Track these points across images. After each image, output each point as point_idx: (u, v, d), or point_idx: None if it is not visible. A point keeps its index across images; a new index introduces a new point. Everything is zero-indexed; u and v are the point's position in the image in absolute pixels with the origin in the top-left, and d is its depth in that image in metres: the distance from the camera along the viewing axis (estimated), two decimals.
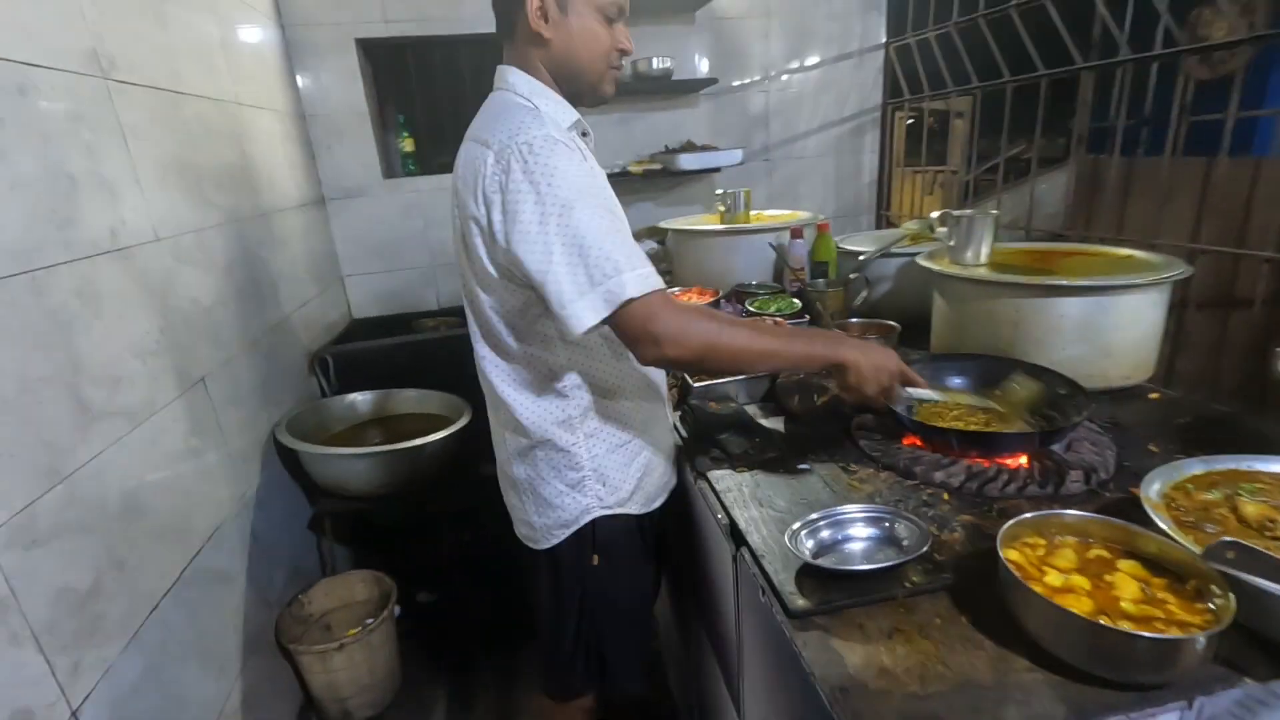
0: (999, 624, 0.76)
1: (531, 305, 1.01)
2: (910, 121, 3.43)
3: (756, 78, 3.05)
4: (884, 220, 3.43)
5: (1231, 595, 0.64)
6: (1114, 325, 1.29)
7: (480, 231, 0.97)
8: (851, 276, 1.81)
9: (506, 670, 2.09)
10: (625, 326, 0.92)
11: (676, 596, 1.62)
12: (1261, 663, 0.67)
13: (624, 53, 1.08)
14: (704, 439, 1.24)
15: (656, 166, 2.82)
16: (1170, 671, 0.64)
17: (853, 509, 0.92)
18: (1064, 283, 1.27)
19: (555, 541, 1.14)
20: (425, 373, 2.28)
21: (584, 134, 1.11)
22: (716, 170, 2.89)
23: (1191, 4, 2.90)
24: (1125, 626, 0.67)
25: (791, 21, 3.02)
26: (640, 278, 0.90)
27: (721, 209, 2.11)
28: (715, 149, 2.82)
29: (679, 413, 1.40)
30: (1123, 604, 0.70)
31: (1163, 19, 1.77)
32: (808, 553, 0.86)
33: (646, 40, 2.77)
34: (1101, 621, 0.67)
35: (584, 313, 0.90)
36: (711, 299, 1.83)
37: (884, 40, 3.14)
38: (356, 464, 1.81)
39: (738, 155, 2.78)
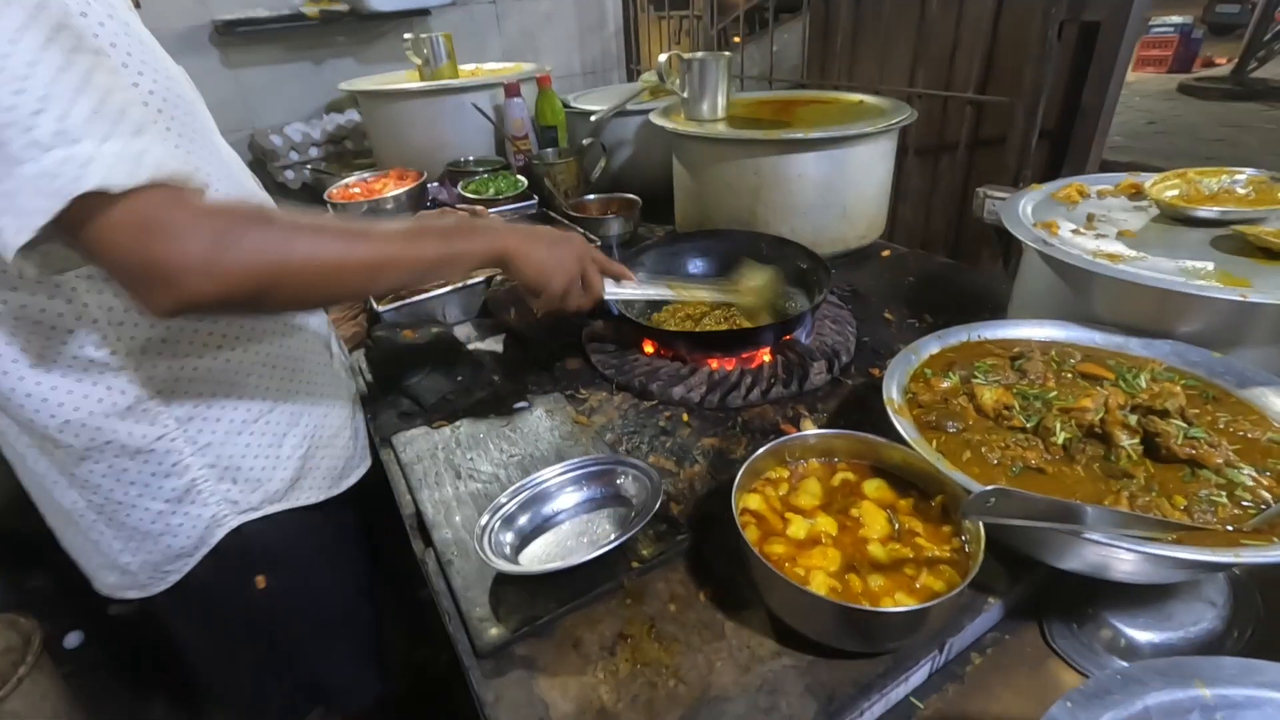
0: (741, 591, 0.60)
1: None
2: None
3: None
4: (635, 75, 3.13)
5: (981, 524, 0.52)
6: (850, 182, 1.19)
7: None
8: (585, 143, 1.51)
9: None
10: (103, 249, 0.50)
11: None
12: (1004, 576, 0.60)
13: None
14: (392, 385, 0.92)
15: (341, 8, 2.13)
16: (924, 630, 0.53)
17: (555, 472, 0.69)
18: (801, 136, 1.11)
19: (174, 580, 0.77)
20: None
21: None
22: (426, 13, 2.29)
23: None
24: (874, 582, 0.54)
25: None
26: (124, 156, 0.48)
27: (417, 62, 1.62)
28: None
29: (362, 349, 1.04)
30: (870, 548, 0.57)
31: None
32: (506, 550, 0.62)
33: None
34: (847, 584, 0.53)
35: (4, 220, 0.47)
36: (414, 183, 1.41)
37: None
38: None
39: None
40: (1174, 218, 0.84)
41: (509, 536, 0.64)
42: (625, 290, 0.85)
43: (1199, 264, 0.73)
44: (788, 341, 0.93)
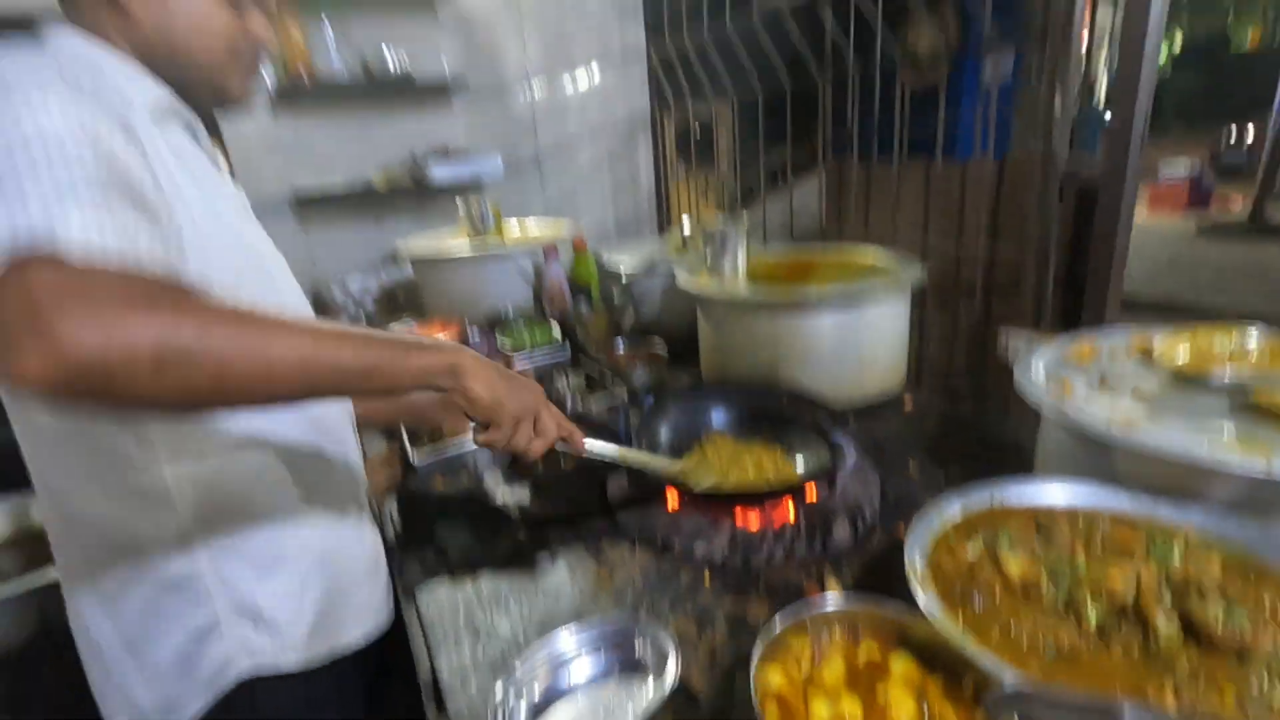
0: None
1: None
2: (679, 131, 3.44)
3: (516, 81, 2.81)
4: (665, 227, 3.40)
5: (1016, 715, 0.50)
6: (865, 337, 1.24)
7: None
8: (616, 297, 1.63)
9: None
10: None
11: None
12: None
13: (260, 46, 0.78)
14: (420, 537, 0.94)
15: (405, 178, 2.43)
16: None
17: (572, 637, 0.68)
18: (814, 297, 1.18)
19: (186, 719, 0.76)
20: None
21: (190, 132, 0.75)
22: (478, 182, 2.59)
23: (902, 22, 3.23)
24: None
25: (546, 25, 2.82)
26: (68, 217, 0.48)
27: (467, 224, 1.81)
28: (469, 155, 2.51)
29: (394, 496, 1.08)
30: None
31: (878, 35, 1.84)
32: None
33: (379, 34, 2.38)
34: None
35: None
36: (455, 334, 1.52)
37: (645, 48, 3.08)
38: None
39: (497, 162, 2.50)
40: (1188, 380, 0.85)
41: (523, 709, 0.62)
42: (572, 449, 0.83)
43: (1218, 429, 0.73)
44: (810, 502, 0.93)
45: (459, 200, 1.82)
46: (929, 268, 1.37)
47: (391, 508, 1.06)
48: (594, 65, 3.00)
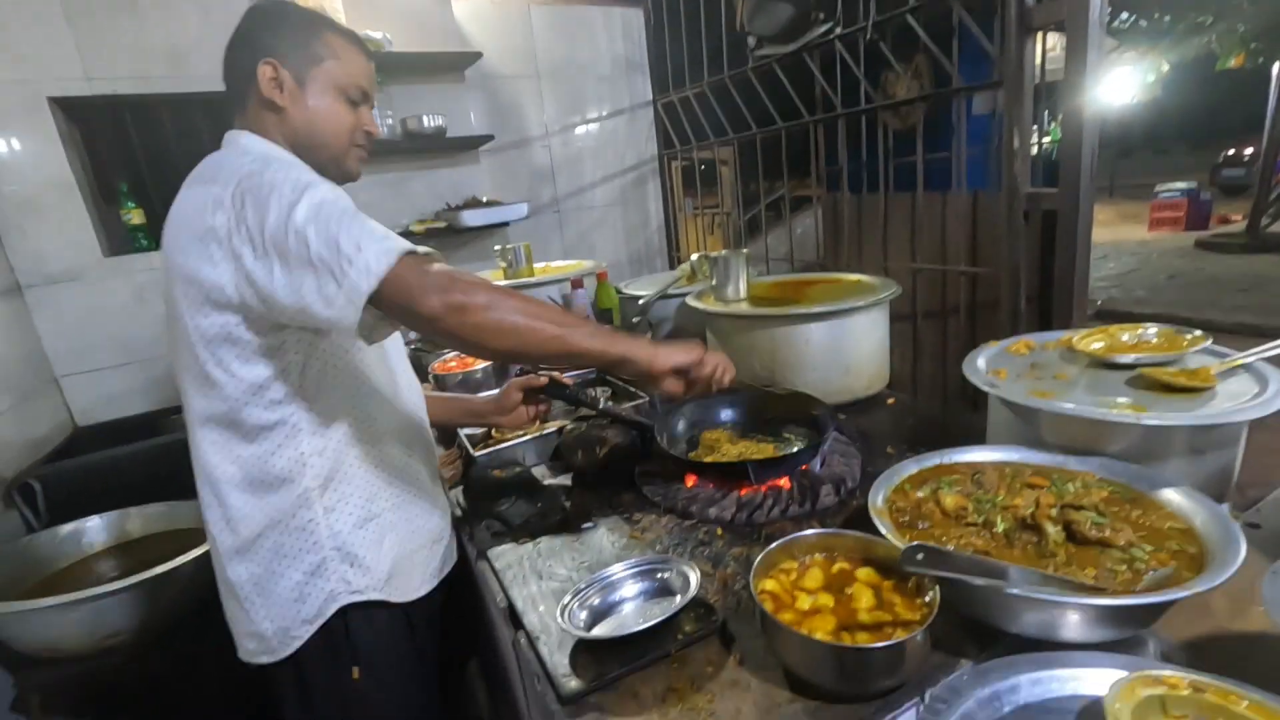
0: (762, 658, 0.77)
1: (276, 350, 0.91)
2: (685, 171, 3.73)
3: (537, 134, 3.12)
4: (676, 262, 3.66)
5: (938, 588, 0.70)
6: (850, 345, 1.46)
7: (213, 265, 0.85)
8: (635, 320, 1.87)
9: None
10: (393, 298, 0.81)
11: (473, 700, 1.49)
12: (969, 640, 0.75)
13: (369, 134, 1.06)
14: (483, 511, 1.16)
15: (440, 224, 2.72)
16: (903, 671, 0.69)
17: (619, 568, 0.90)
18: (804, 311, 1.41)
19: (297, 646, 0.97)
20: (174, 480, 1.91)
21: None
22: (505, 225, 2.87)
23: (881, 69, 3.53)
24: (862, 639, 0.71)
25: (562, 83, 3.14)
26: (389, 250, 0.81)
27: (503, 265, 2.07)
28: (500, 204, 2.80)
29: (462, 486, 1.30)
30: (860, 614, 0.74)
31: (862, 83, 2.11)
32: (581, 624, 0.82)
33: (417, 99, 2.70)
34: (840, 641, 0.71)
35: (348, 298, 0.79)
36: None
37: (651, 98, 3.39)
38: (68, 615, 1.43)
39: (523, 209, 2.79)
40: (1099, 365, 1.06)
41: (583, 615, 0.83)
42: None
43: (1114, 398, 0.94)
44: (803, 472, 1.15)
45: (497, 244, 2.08)
46: (920, 289, 1.59)
47: (457, 494, 1.29)
48: (605, 118, 3.30)
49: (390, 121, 2.60)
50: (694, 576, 0.85)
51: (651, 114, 3.43)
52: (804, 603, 0.77)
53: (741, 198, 3.63)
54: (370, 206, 2.80)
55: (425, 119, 2.61)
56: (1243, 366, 0.97)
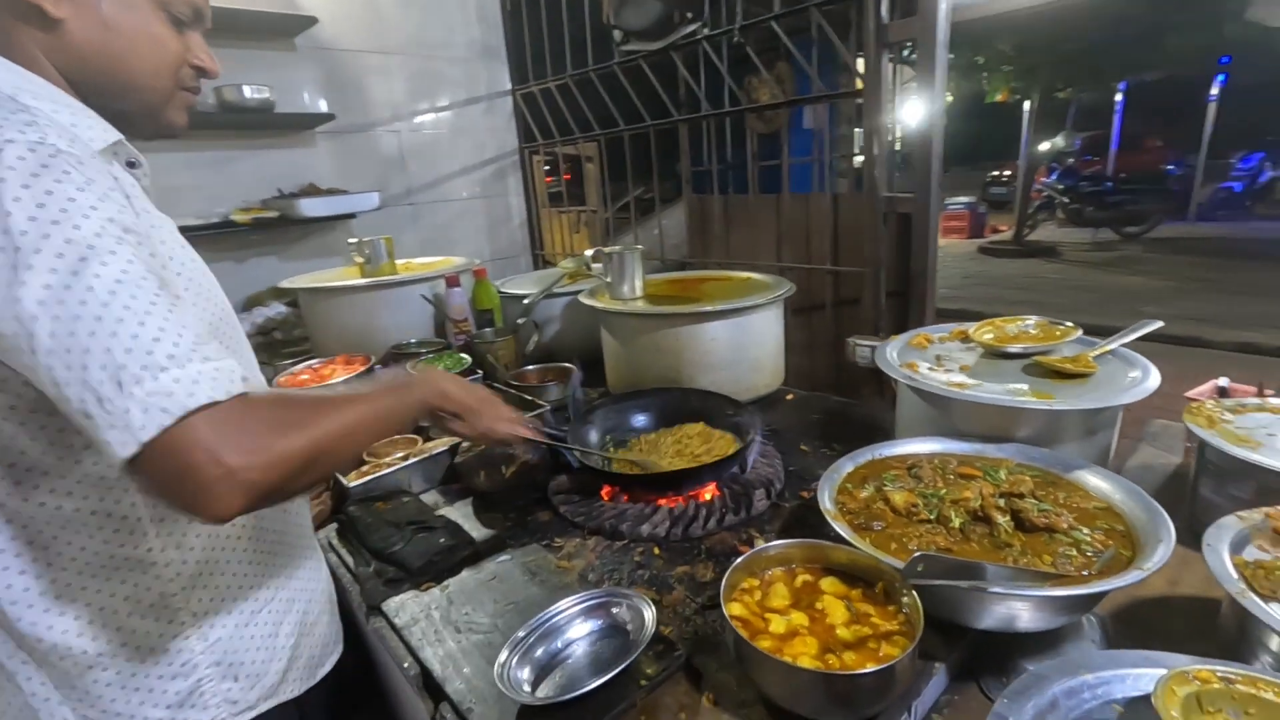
0: (737, 689, 0.69)
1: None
2: (548, 166, 3.59)
3: (384, 118, 2.79)
4: (540, 260, 3.50)
5: (915, 594, 0.67)
6: (752, 341, 1.44)
7: None
8: (520, 322, 1.71)
9: None
10: (167, 464, 0.52)
11: None
12: (942, 644, 0.73)
13: (202, 72, 0.75)
14: (373, 555, 0.96)
15: (271, 214, 2.32)
16: (892, 691, 0.64)
17: (564, 607, 0.77)
18: (710, 309, 1.37)
19: None
20: None
21: (131, 164, 0.71)
22: (351, 217, 2.53)
23: (745, 73, 3.68)
24: (849, 658, 0.66)
25: (412, 62, 2.85)
26: (212, 374, 0.55)
27: (360, 260, 1.80)
28: (345, 193, 2.46)
29: (334, 524, 1.08)
30: (838, 631, 0.69)
31: (726, 83, 2.13)
32: (526, 686, 0.68)
33: (235, 65, 2.28)
34: (826, 664, 0.65)
35: (121, 434, 0.51)
36: (363, 367, 1.52)
37: (510, 87, 3.20)
38: None
39: (374, 199, 2.47)
40: (994, 354, 1.13)
41: (525, 673, 0.70)
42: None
43: (1018, 385, 1.00)
44: (730, 476, 1.09)
45: (351, 240, 1.80)
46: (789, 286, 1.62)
47: (328, 536, 1.06)
48: (461, 105, 3.06)
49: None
50: (648, 612, 0.75)
51: (510, 105, 3.24)
52: (778, 625, 0.70)
53: (608, 196, 3.57)
54: (186, 190, 2.34)
55: (247, 89, 2.21)
56: (1110, 352, 1.07)
